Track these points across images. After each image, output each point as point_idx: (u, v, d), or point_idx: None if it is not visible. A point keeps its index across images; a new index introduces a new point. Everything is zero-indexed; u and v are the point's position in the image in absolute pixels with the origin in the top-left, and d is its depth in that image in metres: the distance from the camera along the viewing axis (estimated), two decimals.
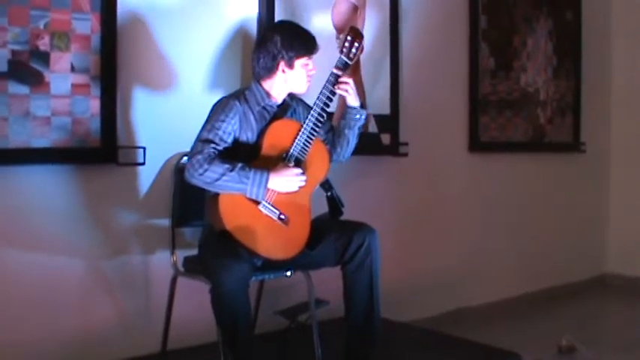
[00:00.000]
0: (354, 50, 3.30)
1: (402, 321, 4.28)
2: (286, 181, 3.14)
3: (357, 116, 3.43)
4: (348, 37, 3.31)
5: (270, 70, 3.30)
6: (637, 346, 4.54)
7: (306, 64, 3.32)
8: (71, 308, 3.40)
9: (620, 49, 6.21)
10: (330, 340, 3.48)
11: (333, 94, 3.29)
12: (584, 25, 5.91)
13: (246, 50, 3.85)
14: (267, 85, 3.33)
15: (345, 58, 3.29)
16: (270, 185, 3.10)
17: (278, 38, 3.27)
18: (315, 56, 3.35)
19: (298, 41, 3.29)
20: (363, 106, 3.47)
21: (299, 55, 3.29)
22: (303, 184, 3.18)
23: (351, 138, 3.47)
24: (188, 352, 3.64)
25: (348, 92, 3.36)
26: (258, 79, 3.34)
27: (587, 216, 6.11)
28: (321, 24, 4.12)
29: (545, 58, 5.63)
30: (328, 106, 3.27)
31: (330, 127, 3.52)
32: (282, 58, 3.27)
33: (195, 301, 3.47)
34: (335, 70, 3.29)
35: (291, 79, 3.32)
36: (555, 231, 5.77)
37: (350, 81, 3.35)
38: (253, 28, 3.93)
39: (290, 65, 3.28)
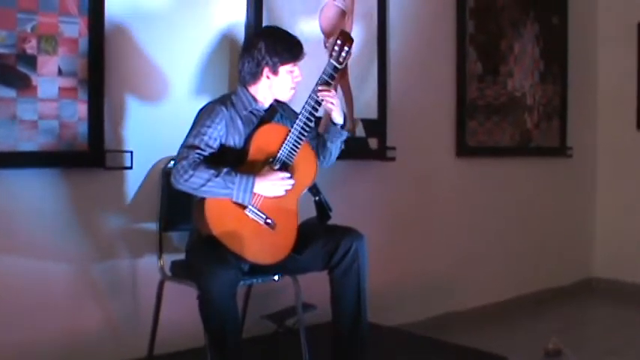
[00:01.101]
0: (343, 54, 3.29)
1: (389, 325, 4.29)
2: (272, 185, 3.14)
3: (339, 134, 3.45)
4: (338, 41, 3.30)
5: (255, 76, 3.30)
6: (623, 350, 4.56)
7: (291, 71, 3.30)
8: (59, 312, 3.39)
9: (606, 54, 6.23)
10: (317, 344, 3.48)
11: (319, 103, 3.28)
12: (571, 30, 5.94)
13: (233, 55, 3.84)
14: (252, 90, 3.33)
15: (335, 62, 3.29)
16: (256, 189, 3.09)
17: (262, 44, 3.26)
18: (301, 62, 3.34)
19: (283, 47, 3.28)
20: (344, 125, 3.46)
21: (283, 62, 3.27)
22: (289, 187, 3.18)
23: (334, 150, 3.49)
24: (175, 357, 3.63)
25: (334, 105, 3.35)
26: (244, 84, 3.34)
27: (574, 220, 6.14)
28: (309, 29, 4.12)
29: (532, 62, 5.65)
30: (317, 110, 3.27)
31: (317, 134, 3.52)
32: (267, 64, 3.26)
33: (182, 306, 3.45)
34: (323, 75, 3.28)
35: (275, 85, 3.31)
36: (543, 235, 5.79)
37: (332, 94, 3.32)
38: (241, 33, 3.93)
39: (274, 71, 3.28)
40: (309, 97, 3.26)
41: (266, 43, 3.26)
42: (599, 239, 6.28)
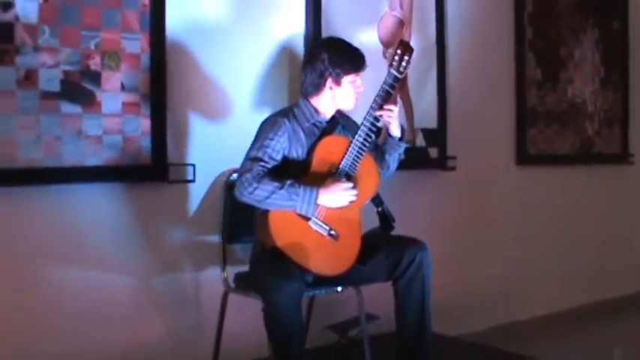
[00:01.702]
0: (404, 64, 3.29)
1: (451, 335, 4.25)
2: (336, 197, 3.14)
3: (396, 146, 3.46)
4: (398, 51, 3.30)
5: (318, 87, 3.31)
6: None
7: (354, 81, 3.31)
8: (123, 324, 3.43)
9: None
10: (380, 355, 3.47)
11: (379, 118, 3.28)
12: (632, 35, 5.85)
13: (293, 68, 3.86)
14: (315, 101, 3.34)
15: (395, 72, 3.28)
16: (320, 201, 3.10)
17: (325, 55, 3.27)
18: (363, 73, 3.35)
19: (345, 58, 3.29)
20: (402, 138, 3.46)
21: (346, 72, 3.28)
22: (353, 198, 3.17)
23: (391, 163, 3.50)
24: None
25: (392, 118, 3.35)
26: (306, 95, 3.35)
27: (636, 229, 6.01)
28: (368, 39, 4.12)
29: (593, 68, 5.57)
30: (378, 120, 3.27)
31: (376, 145, 3.52)
32: (330, 75, 3.27)
33: (245, 318, 3.46)
34: (385, 85, 3.27)
35: (338, 96, 3.32)
36: (604, 244, 5.68)
37: (395, 109, 3.34)
38: (300, 45, 3.94)
39: (337, 82, 3.29)
40: (370, 107, 3.26)
41: (329, 54, 3.27)
42: None
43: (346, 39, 3.48)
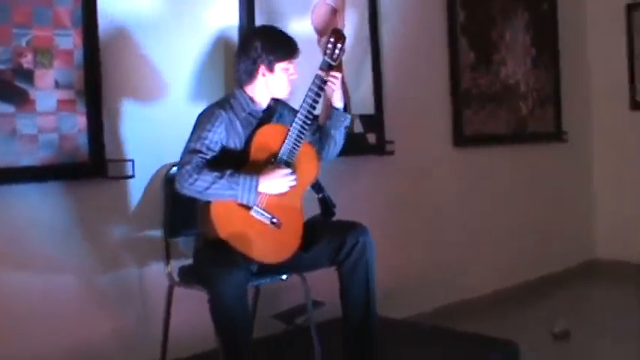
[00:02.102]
0: (337, 51, 3.32)
1: (396, 317, 4.30)
2: (276, 183, 3.15)
3: (342, 118, 3.47)
4: (331, 39, 3.32)
5: (251, 75, 3.31)
6: (629, 330, 4.59)
7: (287, 69, 3.32)
8: (68, 324, 3.39)
9: (596, 37, 6.26)
10: (328, 340, 3.49)
11: (319, 95, 3.30)
12: (560, 15, 5.98)
13: (228, 59, 3.86)
14: (249, 90, 3.34)
15: (329, 60, 3.31)
16: (260, 188, 3.11)
17: (258, 43, 3.28)
18: (296, 61, 3.36)
19: (278, 45, 3.31)
20: (346, 108, 3.49)
21: (278, 59, 3.29)
22: (293, 183, 3.19)
23: (338, 138, 3.50)
24: None
25: (336, 87, 3.37)
26: (241, 84, 3.36)
27: (574, 203, 6.17)
28: (301, 28, 4.13)
29: (524, 49, 5.68)
30: (314, 108, 3.29)
31: (317, 127, 3.54)
32: (262, 62, 3.28)
33: (191, 311, 3.47)
34: (320, 72, 3.30)
35: (271, 83, 3.32)
36: (544, 220, 5.82)
37: (338, 76, 3.37)
38: (235, 36, 3.94)
39: (270, 69, 3.29)
40: (306, 95, 3.28)
41: (262, 41, 3.28)
42: (600, 221, 6.32)
43: (276, 27, 3.49)
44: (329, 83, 3.33)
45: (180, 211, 3.48)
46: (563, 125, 5.98)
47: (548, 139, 5.91)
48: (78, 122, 3.37)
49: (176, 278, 3.47)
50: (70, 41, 3.35)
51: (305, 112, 3.25)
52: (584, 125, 6.25)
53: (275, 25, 3.65)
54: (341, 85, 3.41)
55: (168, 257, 3.53)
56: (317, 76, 3.30)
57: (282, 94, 3.38)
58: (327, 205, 3.41)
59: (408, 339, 4.00)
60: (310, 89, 3.28)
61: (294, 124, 3.24)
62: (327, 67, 3.31)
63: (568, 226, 6.08)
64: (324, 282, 3.48)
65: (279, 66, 3.30)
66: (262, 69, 3.29)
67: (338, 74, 3.37)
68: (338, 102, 3.45)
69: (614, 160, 6.21)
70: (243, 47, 3.37)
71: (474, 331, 4.12)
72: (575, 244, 6.15)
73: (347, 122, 3.50)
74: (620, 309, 5.21)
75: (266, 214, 3.16)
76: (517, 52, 5.61)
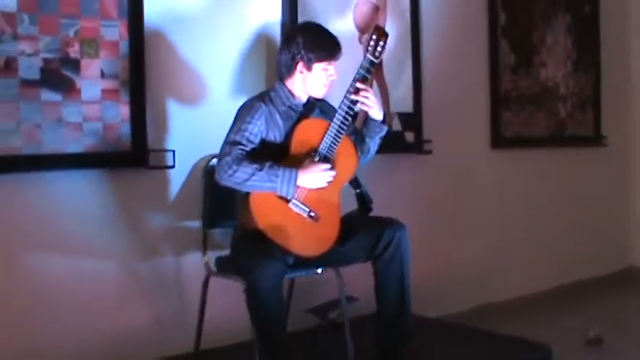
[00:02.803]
0: (379, 49, 3.32)
1: (430, 316, 4.31)
2: (315, 177, 3.18)
3: (378, 130, 3.47)
4: (373, 36, 3.32)
5: (290, 70, 3.34)
6: None
7: (326, 69, 3.32)
8: (106, 310, 3.46)
9: (638, 41, 6.20)
10: (361, 336, 3.49)
11: (355, 103, 3.30)
12: (602, 19, 5.94)
13: (270, 54, 3.90)
14: (289, 84, 3.37)
15: (371, 57, 3.31)
16: (299, 182, 3.14)
17: (300, 39, 3.30)
18: (337, 62, 3.36)
19: (320, 45, 3.30)
20: (385, 120, 3.48)
21: (318, 59, 3.30)
22: (331, 179, 3.22)
23: (372, 146, 3.51)
24: (222, 351, 3.68)
25: (369, 106, 3.36)
26: (281, 77, 3.38)
27: (611, 209, 6.12)
28: (343, 25, 4.16)
29: (565, 52, 5.65)
30: (355, 104, 3.30)
31: (355, 129, 3.54)
32: (301, 59, 3.29)
33: (227, 301, 3.51)
34: (361, 70, 3.30)
35: (309, 81, 3.34)
36: (580, 225, 5.78)
37: (370, 95, 3.33)
38: (276, 32, 3.98)
39: (308, 67, 3.31)
40: (347, 91, 3.29)
41: (304, 38, 3.29)
42: (638, 228, 6.25)
43: (322, 25, 3.52)
44: (358, 104, 3.31)
45: (218, 203, 3.52)
46: (602, 129, 5.94)
47: (587, 143, 5.87)
48: (121, 112, 3.42)
49: (213, 269, 3.51)
50: (116, 32, 3.40)
51: (345, 108, 3.26)
52: (623, 130, 6.20)
53: (319, 22, 3.66)
54: (380, 84, 3.40)
55: (205, 248, 3.57)
56: (358, 73, 3.30)
57: (317, 94, 3.39)
58: (364, 200, 3.41)
59: (439, 337, 4.00)
60: (351, 85, 3.29)
61: (334, 120, 3.25)
62: (370, 64, 3.30)
63: (605, 232, 6.04)
64: (359, 278, 3.50)
65: (318, 66, 3.31)
66: (300, 66, 3.31)
67: (369, 90, 3.33)
68: (376, 114, 3.42)
69: None
70: (286, 40, 3.40)
71: (507, 333, 4.11)
72: (612, 250, 6.10)
73: (383, 133, 3.50)
74: None
75: (304, 207, 3.19)
76: (558, 54, 5.58)
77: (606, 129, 5.96)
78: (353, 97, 3.28)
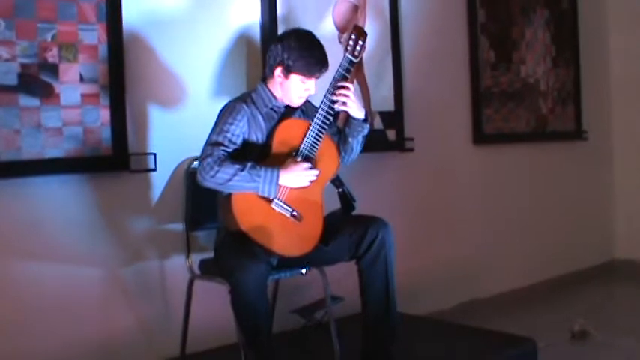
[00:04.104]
0: (358, 48, 3.32)
1: (416, 314, 4.32)
2: (297, 177, 3.18)
3: (360, 128, 3.46)
4: (352, 36, 3.32)
5: (271, 71, 3.33)
6: None
7: (303, 82, 3.29)
8: (90, 315, 3.44)
9: (617, 36, 6.25)
10: (347, 336, 3.51)
11: (334, 102, 3.30)
12: (581, 14, 5.97)
13: (250, 56, 3.90)
14: (271, 85, 3.36)
15: (351, 56, 3.31)
16: (281, 182, 3.13)
17: (287, 44, 3.27)
18: (318, 79, 3.33)
19: (303, 56, 3.26)
20: (367, 119, 3.46)
21: (297, 71, 3.27)
22: (313, 178, 3.21)
23: (355, 146, 3.49)
24: (208, 354, 3.68)
25: (348, 106, 3.34)
26: (264, 78, 3.38)
27: (593, 203, 6.16)
28: (323, 25, 4.16)
29: (544, 48, 5.68)
30: (335, 103, 3.30)
31: (337, 130, 3.54)
32: (282, 64, 3.28)
33: (212, 304, 3.51)
34: (341, 70, 3.30)
35: (285, 89, 3.32)
36: (563, 219, 5.81)
37: (350, 94, 3.32)
38: (256, 33, 3.97)
39: (286, 75, 3.29)
40: (327, 90, 3.29)
41: (291, 44, 3.27)
42: (619, 221, 6.30)
43: (301, 25, 3.51)
44: (338, 103, 3.30)
45: (201, 205, 3.53)
46: (583, 124, 5.97)
47: (568, 138, 5.90)
48: (101, 116, 3.41)
49: (197, 271, 3.50)
50: (95, 36, 3.39)
51: (326, 108, 3.27)
52: (604, 124, 6.24)
53: (296, 22, 3.66)
54: (361, 83, 3.39)
55: (189, 250, 3.56)
56: (338, 72, 3.30)
57: (291, 103, 3.37)
58: (347, 199, 3.41)
59: (425, 334, 4.02)
60: (332, 85, 3.29)
61: (315, 119, 3.26)
62: (349, 64, 3.31)
63: (588, 226, 6.08)
64: (343, 277, 3.51)
65: (296, 77, 3.29)
66: (279, 70, 3.30)
67: (349, 86, 3.32)
68: (356, 113, 3.40)
69: (634, 159, 6.18)
70: (277, 39, 3.39)
71: (492, 328, 4.13)
72: (594, 243, 6.14)
73: (365, 132, 3.48)
74: (638, 309, 5.19)
75: (287, 207, 3.18)
76: (537, 50, 5.60)
77: (587, 124, 5.99)
78: (333, 97, 3.27)
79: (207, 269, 3.44)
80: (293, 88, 3.31)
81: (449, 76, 5.02)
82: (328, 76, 3.34)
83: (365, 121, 3.45)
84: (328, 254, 3.31)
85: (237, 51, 3.91)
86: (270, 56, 3.33)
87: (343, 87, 3.30)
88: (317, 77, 3.32)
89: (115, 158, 3.45)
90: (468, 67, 5.12)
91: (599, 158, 6.22)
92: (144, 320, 3.61)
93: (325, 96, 3.29)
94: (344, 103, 3.32)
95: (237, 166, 3.08)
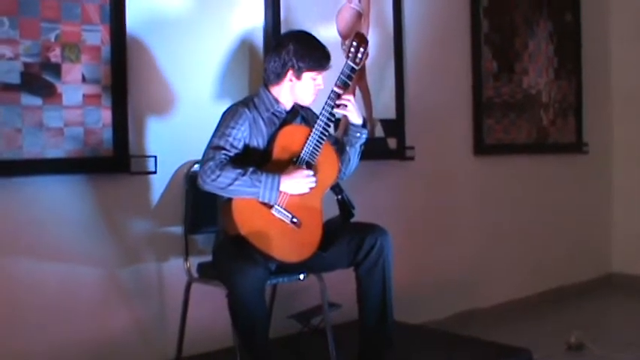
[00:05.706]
0: (359, 55, 3.33)
1: (413, 323, 4.31)
2: (297, 183, 3.18)
3: (358, 134, 3.46)
4: (354, 43, 3.33)
5: (279, 77, 3.34)
6: None
7: (315, 78, 3.34)
8: (88, 316, 3.43)
9: (619, 50, 6.25)
10: (343, 343, 3.51)
11: (337, 107, 3.32)
12: (584, 27, 5.97)
13: (252, 60, 3.90)
14: (275, 91, 3.37)
15: (352, 63, 3.32)
16: (282, 188, 3.13)
17: (292, 47, 3.29)
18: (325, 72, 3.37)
19: (311, 54, 3.30)
20: (365, 124, 3.47)
21: (309, 68, 3.30)
22: (313, 185, 3.21)
23: (352, 156, 3.49)
24: (204, 358, 3.67)
25: (349, 110, 3.37)
26: (267, 83, 3.39)
27: (592, 216, 6.15)
28: (326, 32, 4.15)
29: (547, 59, 5.68)
30: (336, 108, 3.31)
31: (336, 140, 3.55)
32: (292, 67, 3.30)
33: (209, 307, 3.51)
34: (335, 88, 3.31)
35: (297, 89, 3.34)
36: (561, 231, 5.80)
37: (351, 98, 3.37)
38: (259, 37, 3.97)
39: (298, 76, 3.31)
40: (328, 97, 3.30)
41: (295, 46, 3.29)
42: (618, 234, 6.29)
43: (313, 35, 3.50)
44: (338, 109, 3.33)
45: (200, 209, 3.53)
46: (584, 137, 5.97)
47: (569, 150, 5.90)
48: (103, 117, 3.41)
49: (195, 274, 3.50)
50: (98, 37, 3.39)
51: (327, 115, 3.27)
52: (605, 137, 6.23)
53: (300, 27, 3.66)
54: (363, 90, 3.40)
55: (187, 253, 3.56)
56: (339, 79, 3.30)
57: (305, 102, 3.40)
58: (346, 206, 3.41)
59: (421, 344, 4.00)
60: (333, 91, 3.30)
61: (316, 126, 3.26)
62: (350, 71, 3.32)
63: (586, 239, 6.07)
64: (341, 284, 3.51)
65: (308, 75, 3.32)
66: (290, 74, 3.31)
67: (349, 97, 3.37)
68: (355, 119, 3.43)
69: (634, 173, 6.17)
70: (275, 47, 3.39)
71: (488, 339, 4.12)
72: (592, 257, 6.13)
73: (363, 139, 3.49)
74: (635, 323, 5.18)
75: (286, 213, 3.18)
76: (539, 61, 5.61)
77: (588, 136, 5.99)
78: (333, 103, 3.28)
79: (205, 273, 3.45)
80: (306, 87, 3.34)
81: (451, 85, 5.02)
82: (329, 82, 3.34)
83: (363, 126, 3.46)
84: (327, 261, 3.31)
85: (240, 55, 3.91)
86: (273, 63, 3.33)
87: (344, 95, 3.32)
88: (326, 70, 3.35)
89: (115, 160, 3.44)
90: (470, 76, 5.12)
91: (599, 171, 6.21)
92: (141, 322, 3.60)
93: (326, 102, 3.30)
94: (344, 107, 3.34)
95: (239, 171, 3.08)
